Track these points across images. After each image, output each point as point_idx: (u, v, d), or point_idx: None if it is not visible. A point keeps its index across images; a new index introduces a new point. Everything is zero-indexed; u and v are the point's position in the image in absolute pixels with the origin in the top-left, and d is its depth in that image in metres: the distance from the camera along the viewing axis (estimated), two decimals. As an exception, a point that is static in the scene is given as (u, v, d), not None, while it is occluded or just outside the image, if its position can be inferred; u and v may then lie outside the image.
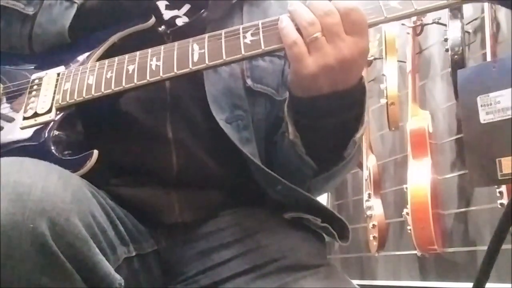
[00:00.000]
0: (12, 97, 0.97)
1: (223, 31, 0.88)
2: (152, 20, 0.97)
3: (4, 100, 0.96)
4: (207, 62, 0.87)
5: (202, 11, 1.01)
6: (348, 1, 0.82)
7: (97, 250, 0.74)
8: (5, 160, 0.73)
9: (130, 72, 0.89)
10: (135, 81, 0.89)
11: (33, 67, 1.00)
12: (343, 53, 0.81)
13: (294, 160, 0.93)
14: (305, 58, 0.81)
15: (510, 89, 1.46)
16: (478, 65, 1.78)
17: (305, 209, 0.96)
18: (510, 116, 1.46)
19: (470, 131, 1.57)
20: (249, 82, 1.00)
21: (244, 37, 0.86)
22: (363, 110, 0.88)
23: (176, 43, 0.90)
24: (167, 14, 1.01)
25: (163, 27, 0.99)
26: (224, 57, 0.86)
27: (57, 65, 0.98)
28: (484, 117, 1.49)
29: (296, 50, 0.81)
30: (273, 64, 1.03)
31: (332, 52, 0.81)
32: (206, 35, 0.89)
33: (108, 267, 0.75)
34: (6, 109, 0.95)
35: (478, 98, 1.51)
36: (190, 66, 0.87)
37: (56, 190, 0.71)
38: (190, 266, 0.95)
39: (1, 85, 0.98)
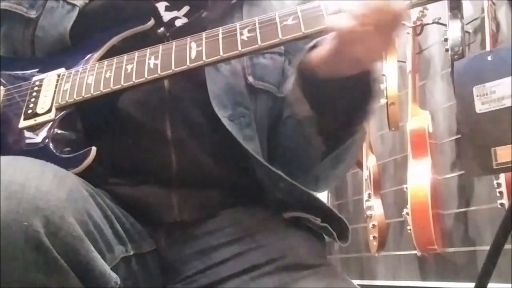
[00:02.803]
0: (13, 98, 0.97)
1: (220, 28, 0.89)
2: (151, 21, 0.98)
3: (6, 102, 0.97)
4: (204, 58, 0.88)
5: (202, 11, 1.01)
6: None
7: (92, 248, 0.74)
8: (1, 159, 0.74)
9: (128, 71, 0.90)
10: (134, 79, 0.89)
11: (34, 71, 1.00)
12: (384, 43, 0.84)
13: (302, 144, 0.94)
14: (358, 43, 0.82)
15: (505, 78, 1.46)
16: (473, 56, 1.78)
17: (305, 208, 0.96)
18: (505, 106, 1.46)
19: (465, 122, 1.58)
20: (250, 79, 1.00)
21: (241, 34, 0.87)
22: (374, 82, 0.89)
23: (174, 42, 0.90)
24: (167, 15, 1.01)
25: (162, 28, 0.99)
26: (221, 53, 0.87)
27: (58, 67, 0.98)
28: (480, 107, 1.50)
29: (355, 34, 0.81)
30: (273, 61, 1.03)
31: (377, 42, 0.83)
32: (204, 33, 0.89)
33: (103, 266, 0.75)
34: (7, 110, 0.96)
35: (474, 89, 1.51)
36: (188, 63, 0.88)
37: (51, 188, 0.72)
38: (190, 265, 0.95)
39: (2, 88, 0.99)
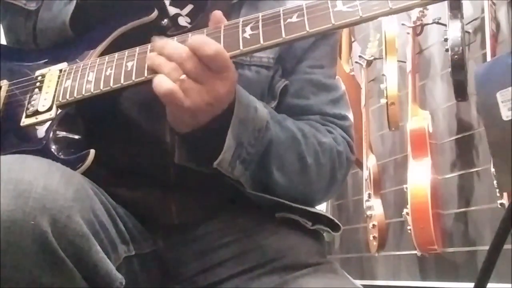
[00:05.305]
0: (16, 94, 0.96)
1: (222, 25, 0.86)
2: (155, 13, 0.96)
3: (9, 98, 0.96)
4: None
5: (203, 14, 1.00)
6: (207, 43, 0.81)
7: (98, 248, 0.74)
8: (7, 157, 0.74)
9: (129, 68, 0.88)
10: (133, 78, 0.87)
11: (37, 63, 0.99)
12: (216, 89, 0.81)
13: None
14: (182, 102, 0.81)
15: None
16: (492, 60, 1.67)
17: (294, 211, 0.95)
18: (535, 108, 1.35)
19: (493, 131, 1.46)
20: None
21: (244, 31, 0.84)
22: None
23: (175, 38, 0.88)
24: (171, 10, 1.00)
25: (166, 20, 0.98)
26: None
27: (61, 61, 0.97)
28: (506, 114, 1.38)
29: (171, 97, 0.81)
30: (258, 74, 0.99)
31: (205, 89, 0.81)
32: (205, 29, 0.87)
33: (109, 266, 0.75)
34: (10, 106, 0.95)
35: (498, 94, 1.40)
36: None
37: (58, 188, 0.71)
38: (189, 266, 0.95)
39: (6, 82, 0.98)
